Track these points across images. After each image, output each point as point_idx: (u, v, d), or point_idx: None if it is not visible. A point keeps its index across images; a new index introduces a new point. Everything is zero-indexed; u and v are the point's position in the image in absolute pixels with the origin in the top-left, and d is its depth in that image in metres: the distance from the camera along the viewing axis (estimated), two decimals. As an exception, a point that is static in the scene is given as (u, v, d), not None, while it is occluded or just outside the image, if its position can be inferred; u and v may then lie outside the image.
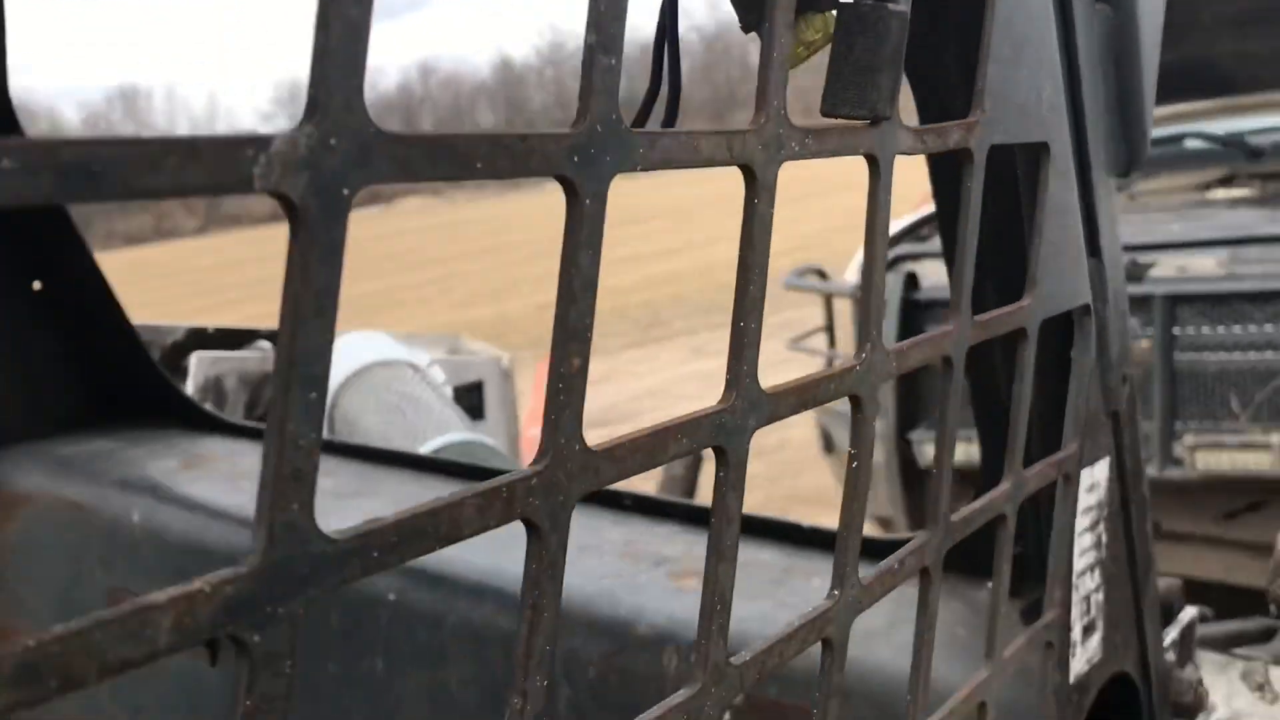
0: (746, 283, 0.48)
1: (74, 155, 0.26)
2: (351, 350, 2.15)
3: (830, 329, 5.00)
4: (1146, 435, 3.61)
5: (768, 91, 0.48)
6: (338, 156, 0.32)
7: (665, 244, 20.71)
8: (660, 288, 15.45)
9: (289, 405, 0.32)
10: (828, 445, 4.90)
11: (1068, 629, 0.85)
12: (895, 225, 4.71)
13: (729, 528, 0.49)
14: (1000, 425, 0.91)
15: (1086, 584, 0.89)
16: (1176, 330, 3.64)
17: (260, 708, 0.32)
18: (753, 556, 1.24)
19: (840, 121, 0.55)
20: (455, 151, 0.35)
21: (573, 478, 0.41)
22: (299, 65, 0.32)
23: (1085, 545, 0.88)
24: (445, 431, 2.00)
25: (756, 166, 0.47)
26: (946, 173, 0.81)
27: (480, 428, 2.43)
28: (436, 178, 0.35)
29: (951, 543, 0.66)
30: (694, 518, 1.37)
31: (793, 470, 6.37)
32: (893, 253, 4.21)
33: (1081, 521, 0.86)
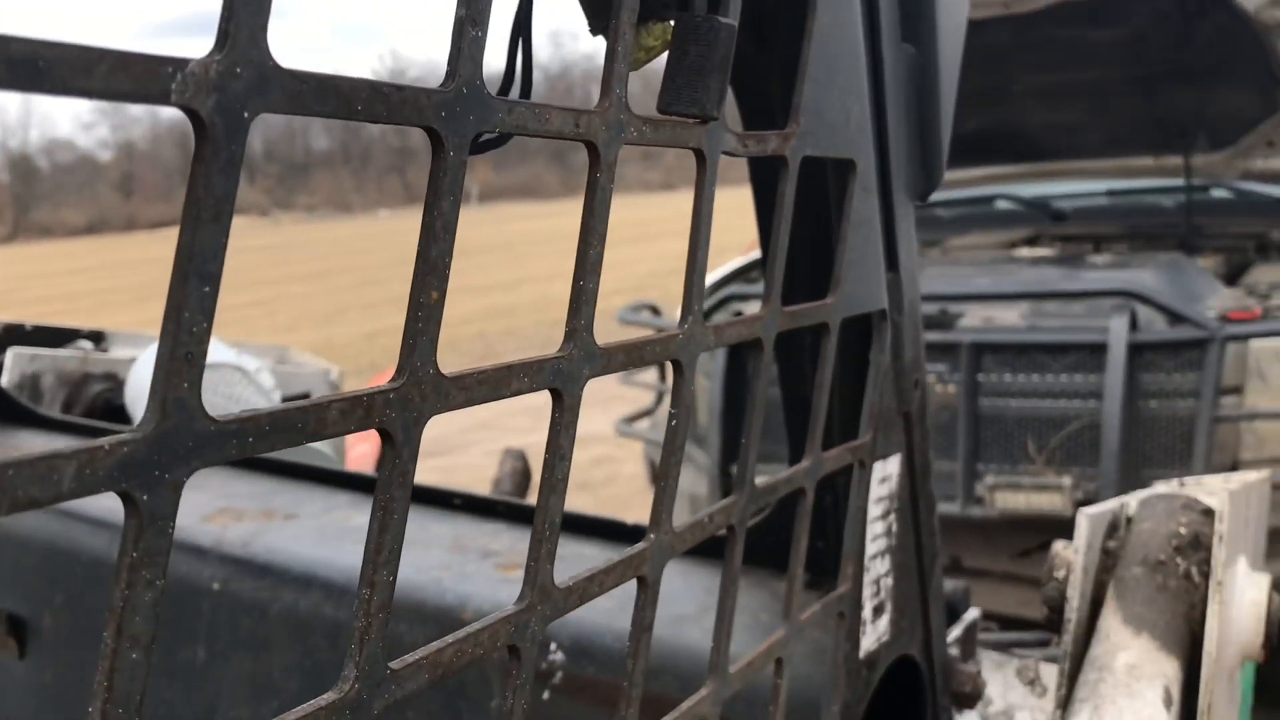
0: (587, 247, 0.55)
1: (24, 50, 0.31)
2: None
3: (661, 364, 5.14)
4: (951, 475, 3.84)
5: (612, 81, 0.55)
6: (241, 83, 0.37)
7: (501, 277, 20.72)
8: (494, 320, 15.44)
9: (185, 295, 0.37)
10: (654, 477, 5.01)
11: (859, 606, 0.94)
12: (726, 268, 4.90)
13: (561, 463, 0.55)
14: (806, 418, 1.00)
15: (878, 568, 0.98)
16: (981, 377, 3.88)
17: (144, 561, 0.37)
18: (576, 551, 1.30)
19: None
20: (341, 92, 0.41)
21: (425, 397, 0.46)
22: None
23: (877, 532, 0.97)
24: (275, 434, 2.00)
25: (600, 144, 0.54)
26: (766, 181, 0.89)
27: (308, 439, 2.42)
28: (323, 114, 0.40)
29: (755, 507, 0.73)
30: (520, 516, 1.42)
31: (621, 502, 6.47)
32: (723, 292, 4.38)
33: (874, 510, 0.96)
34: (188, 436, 0.37)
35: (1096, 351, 3.67)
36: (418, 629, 1.19)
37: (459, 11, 0.45)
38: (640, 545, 0.62)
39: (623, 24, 0.55)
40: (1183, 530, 1.25)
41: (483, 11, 0.45)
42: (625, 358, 0.59)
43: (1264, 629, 1.24)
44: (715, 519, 0.69)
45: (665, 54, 0.65)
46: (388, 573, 0.46)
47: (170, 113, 0.37)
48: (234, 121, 0.37)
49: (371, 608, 0.45)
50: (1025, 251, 4.85)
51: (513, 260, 24.13)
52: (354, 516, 1.41)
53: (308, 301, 19.73)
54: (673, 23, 0.64)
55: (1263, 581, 1.27)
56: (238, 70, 0.37)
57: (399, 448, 0.45)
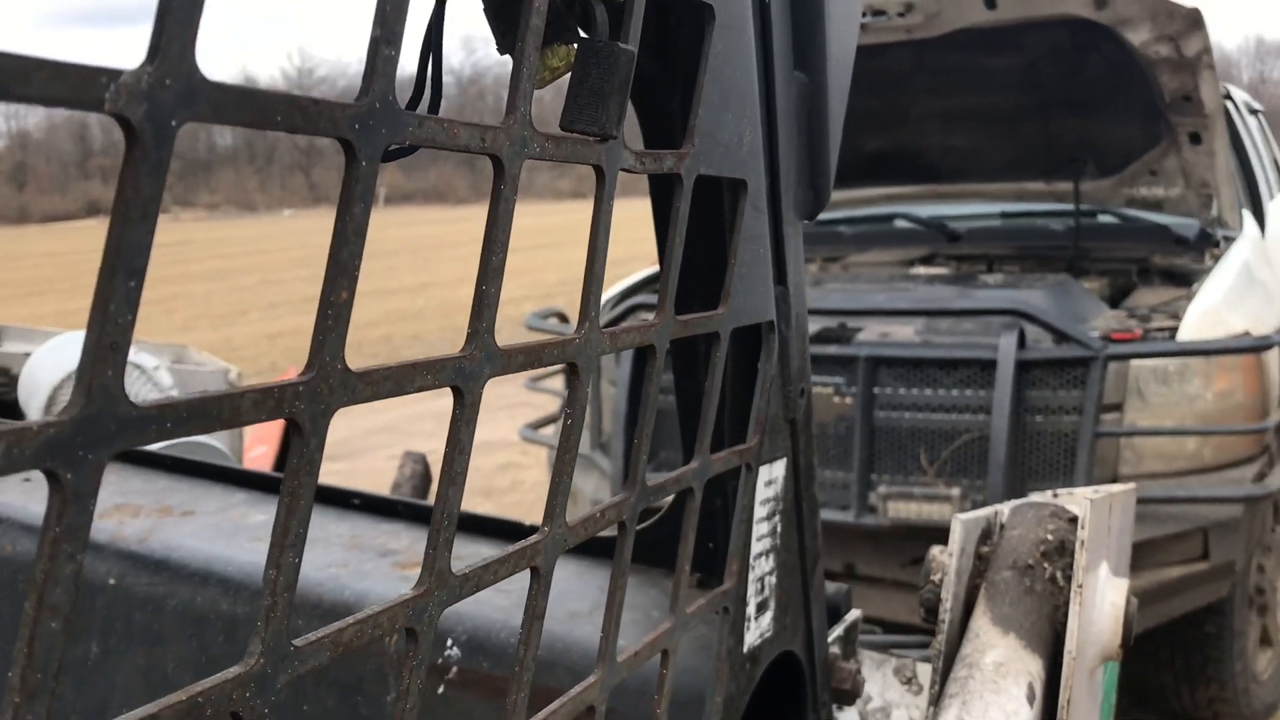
0: (490, 254, 0.58)
1: (-32, 60, 0.34)
2: (73, 348, 2.09)
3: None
4: (846, 485, 3.94)
5: (517, 99, 0.59)
6: (170, 94, 0.40)
7: (407, 281, 20.55)
8: (400, 324, 15.30)
9: (113, 288, 0.39)
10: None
11: (743, 602, 0.99)
12: (636, 276, 4.96)
13: (460, 457, 0.58)
14: (698, 423, 1.04)
15: (762, 566, 1.03)
16: (877, 390, 3.99)
17: (66, 535, 0.39)
18: (475, 550, 1.33)
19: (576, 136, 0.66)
20: (261, 104, 0.44)
21: (333, 391, 0.49)
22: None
23: (763, 532, 1.02)
24: (174, 431, 1.99)
25: (504, 158, 0.58)
26: (664, 198, 0.94)
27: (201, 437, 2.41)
28: (245, 124, 0.43)
29: (645, 503, 0.77)
30: (419, 516, 1.44)
31: (525, 508, 6.48)
32: (631, 300, 4.44)
33: (760, 511, 1.01)
34: (110, 420, 0.40)
35: (986, 368, 3.80)
36: (315, 624, 1.20)
37: (374, 32, 0.49)
38: (534, 537, 0.66)
39: (528, 46, 0.59)
40: (1050, 536, 1.32)
41: (396, 33, 0.49)
42: (525, 359, 0.62)
43: (1122, 630, 1.32)
44: (607, 514, 0.73)
45: (569, 74, 0.69)
46: (293, 555, 0.49)
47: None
48: (162, 129, 0.40)
49: (278, 587, 0.48)
50: (921, 269, 5.00)
51: (419, 264, 23.92)
52: (251, 514, 1.42)
53: (207, 300, 19.33)
54: (576, 46, 0.68)
55: (1122, 586, 1.35)
56: (167, 82, 0.40)
57: (307, 437, 0.48)
